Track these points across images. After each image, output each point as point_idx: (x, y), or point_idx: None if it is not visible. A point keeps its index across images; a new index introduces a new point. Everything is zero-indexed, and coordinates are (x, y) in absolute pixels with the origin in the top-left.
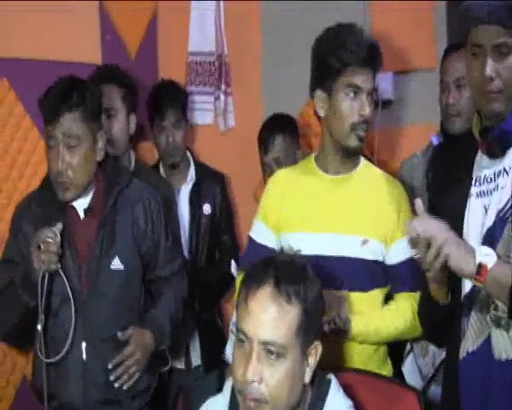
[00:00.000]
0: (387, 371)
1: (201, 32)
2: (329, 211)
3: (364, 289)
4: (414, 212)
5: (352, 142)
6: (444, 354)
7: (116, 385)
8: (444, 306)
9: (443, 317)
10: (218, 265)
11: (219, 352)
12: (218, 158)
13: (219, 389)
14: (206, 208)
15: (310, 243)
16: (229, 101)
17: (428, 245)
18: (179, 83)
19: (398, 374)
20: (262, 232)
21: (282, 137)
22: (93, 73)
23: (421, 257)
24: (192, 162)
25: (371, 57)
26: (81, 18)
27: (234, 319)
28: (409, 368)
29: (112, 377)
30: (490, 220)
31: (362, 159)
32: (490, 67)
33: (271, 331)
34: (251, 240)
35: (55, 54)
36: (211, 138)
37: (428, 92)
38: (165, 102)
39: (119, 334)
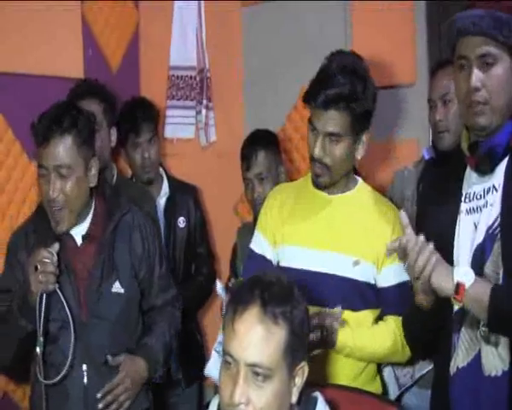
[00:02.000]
0: (376, 388)
1: (183, 47)
2: (324, 228)
3: (354, 308)
4: None
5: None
6: (424, 371)
7: None
8: (426, 312)
9: (425, 325)
10: (194, 277)
11: (199, 366)
12: (198, 172)
13: (199, 403)
14: (181, 221)
15: (303, 257)
16: (211, 115)
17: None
18: (151, 99)
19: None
20: (260, 243)
21: (263, 152)
22: (74, 87)
23: (411, 265)
24: (165, 177)
25: (329, 102)
26: (63, 33)
27: (219, 338)
28: (386, 376)
29: (100, 406)
30: (479, 237)
31: (359, 180)
32: (475, 78)
33: (258, 353)
34: (251, 251)
35: (37, 68)
36: (192, 152)
37: (409, 107)
38: (140, 118)
39: (110, 358)
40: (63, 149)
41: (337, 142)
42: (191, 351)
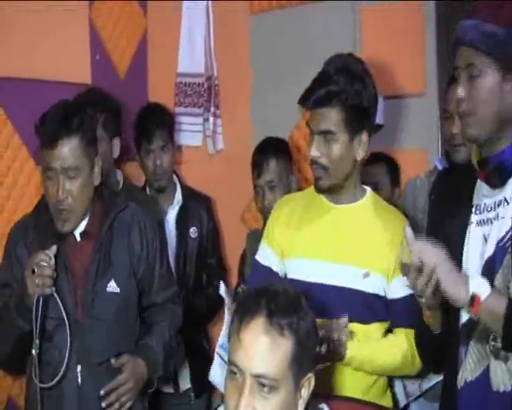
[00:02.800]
0: (387, 402)
1: (191, 54)
2: (333, 240)
3: (364, 321)
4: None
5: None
6: (432, 382)
7: None
8: (436, 334)
9: (436, 344)
10: (204, 288)
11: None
12: (206, 180)
13: None
14: (193, 231)
15: (312, 269)
16: (218, 123)
17: (420, 270)
18: (166, 105)
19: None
20: (267, 255)
21: (275, 160)
22: (76, 96)
23: (413, 283)
24: (178, 185)
25: (321, 100)
26: (71, 38)
27: (220, 341)
28: (396, 385)
29: (103, 405)
30: (490, 250)
31: (368, 189)
32: (460, 89)
33: (264, 365)
34: (256, 262)
35: (44, 73)
36: (199, 160)
37: (418, 117)
38: (153, 125)
39: (113, 361)
40: (71, 151)
41: (332, 141)
42: (200, 362)
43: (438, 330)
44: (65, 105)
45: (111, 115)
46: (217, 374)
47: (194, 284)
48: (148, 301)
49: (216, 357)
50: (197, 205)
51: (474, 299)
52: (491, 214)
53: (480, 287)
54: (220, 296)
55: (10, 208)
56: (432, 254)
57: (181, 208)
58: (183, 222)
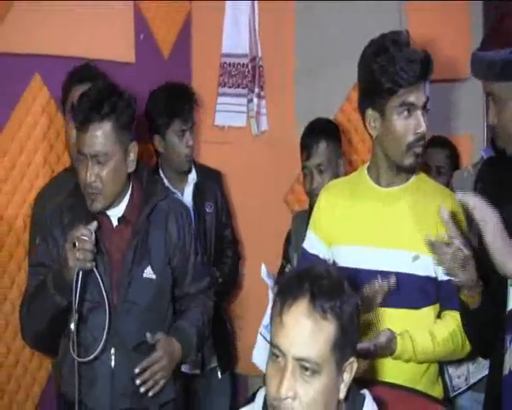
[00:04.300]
0: (438, 393)
1: (235, 34)
2: (380, 224)
3: (415, 306)
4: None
5: (409, 160)
6: (479, 377)
7: (142, 390)
8: (475, 311)
9: (477, 323)
10: (220, 259)
11: (230, 353)
12: (249, 160)
13: (233, 392)
14: (209, 207)
15: (360, 256)
16: (262, 104)
17: (447, 244)
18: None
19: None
20: (314, 243)
21: (325, 143)
22: (71, 71)
23: (439, 259)
24: (192, 163)
25: (424, 72)
26: (115, 17)
27: (264, 322)
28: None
29: (138, 382)
30: None
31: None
32: (490, 117)
33: (306, 348)
34: (304, 251)
35: (88, 51)
36: (243, 141)
37: (463, 102)
38: (187, 105)
39: (148, 335)
40: (101, 136)
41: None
42: (222, 338)
43: (473, 306)
44: (100, 87)
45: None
46: (260, 355)
47: (214, 257)
48: (181, 291)
49: (259, 338)
50: (210, 181)
51: None
52: None
53: None
54: (235, 268)
55: (46, 174)
56: (490, 212)
57: (196, 186)
58: (199, 199)
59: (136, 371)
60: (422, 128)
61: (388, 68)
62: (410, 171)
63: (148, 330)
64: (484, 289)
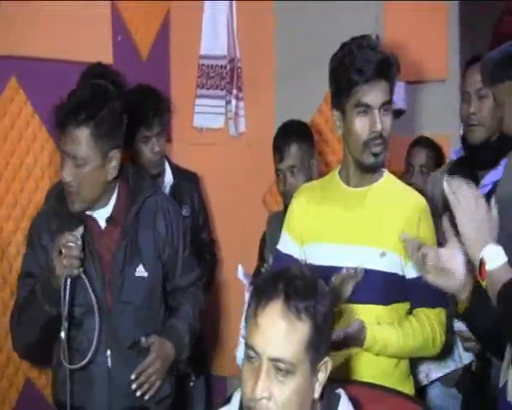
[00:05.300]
0: (409, 388)
1: (214, 36)
2: (349, 223)
3: (384, 302)
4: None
5: (367, 159)
6: (439, 374)
7: (138, 394)
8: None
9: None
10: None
11: (205, 356)
12: (227, 162)
13: (207, 396)
14: (185, 210)
15: (330, 254)
16: (241, 105)
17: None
18: (161, 91)
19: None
20: (288, 244)
21: (297, 145)
22: (85, 70)
23: (412, 258)
24: (168, 166)
25: (380, 71)
26: (93, 18)
27: (243, 323)
28: None
29: (134, 386)
30: None
31: (385, 172)
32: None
33: (281, 349)
34: (278, 251)
35: (65, 53)
36: (221, 142)
37: (440, 102)
38: (151, 112)
39: (143, 339)
40: (77, 140)
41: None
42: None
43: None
44: (85, 93)
45: (121, 92)
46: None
47: None
48: (172, 285)
49: (242, 340)
50: (187, 183)
51: (481, 265)
52: None
53: (491, 255)
54: (212, 270)
55: (31, 189)
56: (469, 194)
57: (172, 188)
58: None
59: (132, 377)
60: (378, 127)
61: (348, 68)
62: (370, 170)
63: (142, 328)
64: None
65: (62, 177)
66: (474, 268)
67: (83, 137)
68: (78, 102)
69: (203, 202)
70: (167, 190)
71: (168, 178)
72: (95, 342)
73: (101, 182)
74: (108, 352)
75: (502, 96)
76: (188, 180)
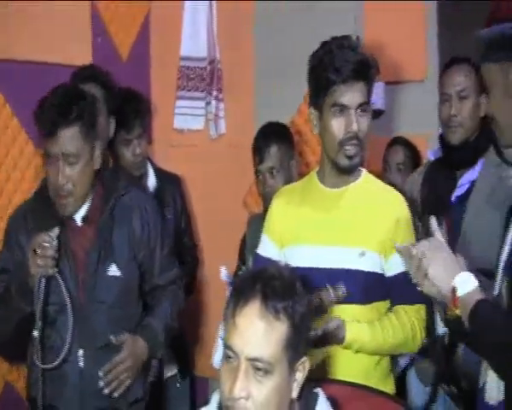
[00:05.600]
0: (389, 387)
1: (194, 37)
2: (328, 223)
3: (363, 301)
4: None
5: (342, 160)
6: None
7: (106, 392)
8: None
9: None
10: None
11: (188, 358)
12: (207, 163)
13: (192, 397)
14: (168, 212)
15: (309, 255)
16: (221, 107)
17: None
18: (141, 93)
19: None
20: (267, 247)
21: (276, 146)
22: (77, 71)
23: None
24: (151, 168)
25: (358, 72)
26: (72, 20)
27: (222, 325)
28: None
29: (101, 384)
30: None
31: (363, 171)
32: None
33: (259, 348)
34: (257, 255)
35: (44, 55)
36: (201, 143)
37: (419, 103)
38: (132, 115)
39: (113, 338)
40: (70, 139)
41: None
42: (179, 346)
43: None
44: (64, 92)
45: (110, 93)
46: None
47: None
48: (150, 284)
49: (220, 342)
50: (169, 186)
51: (454, 293)
52: None
53: (462, 282)
54: (193, 273)
55: (10, 191)
56: (421, 248)
57: (155, 191)
58: (158, 204)
59: (100, 374)
60: (354, 127)
61: (327, 67)
62: (345, 171)
63: (115, 328)
64: None
65: (55, 181)
66: (447, 301)
67: (74, 135)
68: (63, 102)
69: (186, 205)
70: (150, 192)
71: (151, 181)
72: (68, 341)
73: (91, 174)
74: (81, 351)
75: (493, 76)
76: (171, 183)
